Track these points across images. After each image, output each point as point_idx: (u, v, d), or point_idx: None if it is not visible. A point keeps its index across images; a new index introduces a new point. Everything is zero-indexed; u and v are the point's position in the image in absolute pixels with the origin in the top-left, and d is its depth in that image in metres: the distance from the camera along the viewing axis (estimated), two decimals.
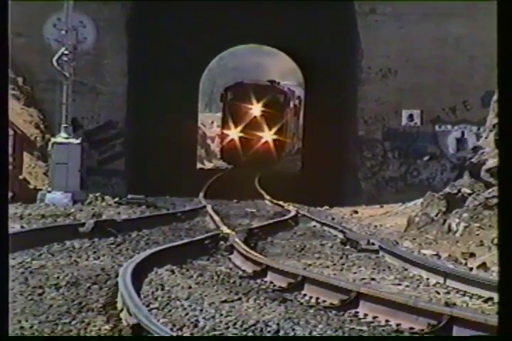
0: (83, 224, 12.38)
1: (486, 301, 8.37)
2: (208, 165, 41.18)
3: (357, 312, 7.50)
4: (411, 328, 6.93)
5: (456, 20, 21.57)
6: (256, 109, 36.57)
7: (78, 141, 17.78)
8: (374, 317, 7.31)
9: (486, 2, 20.81)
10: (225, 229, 12.94)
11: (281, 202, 19.59)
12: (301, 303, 7.85)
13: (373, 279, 9.58)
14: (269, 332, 6.54)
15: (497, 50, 4.28)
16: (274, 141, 36.67)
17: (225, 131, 37.07)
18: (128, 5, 22.19)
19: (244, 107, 36.39)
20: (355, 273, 10.01)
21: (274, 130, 36.57)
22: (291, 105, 38.30)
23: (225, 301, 7.58)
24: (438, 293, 8.89)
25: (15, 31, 20.86)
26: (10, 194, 15.91)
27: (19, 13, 20.78)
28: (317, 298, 8.13)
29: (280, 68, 36.75)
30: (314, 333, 6.58)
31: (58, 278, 8.56)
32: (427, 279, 9.61)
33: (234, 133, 36.59)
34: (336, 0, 22.84)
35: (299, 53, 30.43)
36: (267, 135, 36.58)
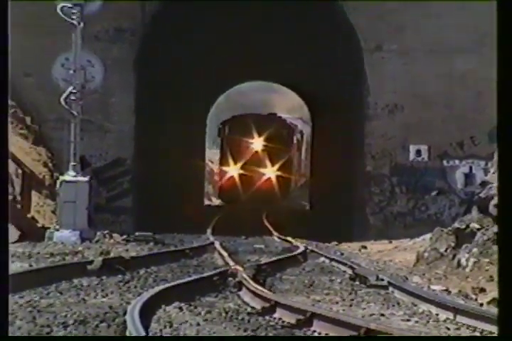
0: (91, 262, 12.35)
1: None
2: (216, 202, 40.88)
3: None
4: None
5: (463, 55, 21.71)
6: (257, 143, 33.93)
7: (86, 179, 17.84)
8: None
9: (491, 38, 20.90)
10: (234, 266, 12.90)
11: (289, 238, 19.55)
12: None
13: (383, 315, 9.52)
14: None
15: (497, 50, 4.30)
16: (278, 177, 34.13)
17: (224, 168, 34.48)
18: (136, 44, 22.41)
19: (245, 142, 33.86)
20: (364, 308, 9.95)
21: (277, 166, 34.00)
22: (295, 140, 36.13)
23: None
24: (448, 328, 8.82)
25: (23, 71, 21.07)
26: (18, 233, 15.92)
27: (27, 53, 21.01)
28: (326, 334, 8.07)
29: (287, 104, 36.67)
30: None
31: (66, 316, 8.53)
32: (437, 315, 9.55)
33: (233, 169, 33.93)
34: (342, 36, 23.02)
35: (306, 89, 30.53)
36: (270, 171, 34.08)
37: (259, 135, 33.92)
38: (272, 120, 34.83)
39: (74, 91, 17.96)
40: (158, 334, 7.73)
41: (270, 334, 7.76)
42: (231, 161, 34.03)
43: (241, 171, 33.94)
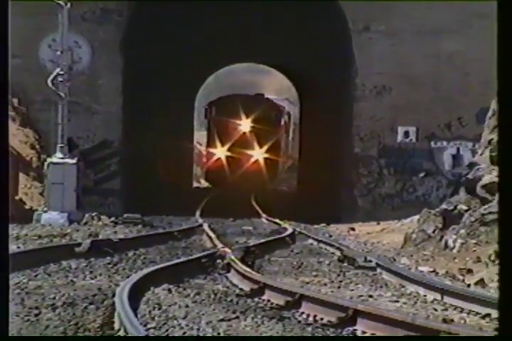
0: (79, 244, 12.35)
1: (483, 317, 8.35)
2: (204, 184, 40.85)
3: (355, 330, 7.48)
4: None
5: (450, 37, 21.68)
6: (245, 124, 32.91)
7: (74, 161, 17.79)
8: (372, 335, 7.28)
9: (477, 19, 20.92)
10: (222, 248, 12.92)
11: (277, 220, 19.58)
12: (299, 321, 7.83)
13: (371, 296, 9.56)
14: None
15: (497, 50, 4.30)
16: (266, 159, 33.07)
17: (211, 150, 33.49)
18: (123, 25, 22.27)
19: (232, 123, 32.85)
20: (352, 290, 9.99)
21: (265, 148, 33.10)
22: (283, 121, 35.07)
23: (223, 320, 7.55)
24: (436, 309, 8.87)
25: (10, 52, 20.89)
26: None
27: (14, 34, 20.81)
28: (315, 316, 8.10)
29: (275, 85, 36.47)
30: None
31: (55, 298, 8.53)
32: (425, 296, 9.60)
33: (220, 151, 32.98)
34: (330, 17, 22.95)
35: (294, 71, 30.46)
36: (258, 153, 33.15)
37: (247, 116, 33.07)
38: (259, 101, 33.99)
39: (61, 72, 17.87)
40: (147, 316, 7.74)
41: (259, 316, 7.79)
42: (218, 143, 33.20)
43: (228, 153, 33.11)
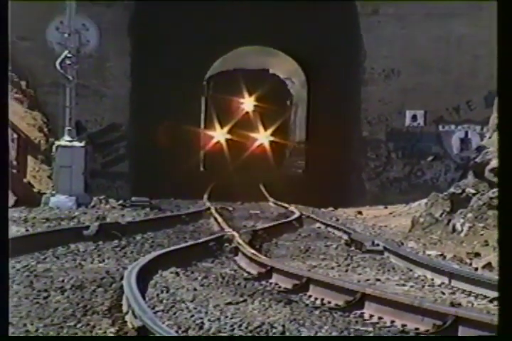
0: (87, 227, 12.38)
1: (491, 301, 8.35)
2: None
3: (362, 313, 7.49)
4: (416, 329, 6.92)
5: (459, 19, 21.57)
6: (248, 103, 28.87)
7: (82, 144, 17.80)
8: (379, 318, 7.30)
9: (488, 2, 20.79)
10: (230, 231, 12.94)
11: (285, 204, 19.58)
12: (307, 305, 7.85)
13: (378, 280, 9.57)
14: (274, 333, 6.53)
15: (497, 50, 4.28)
16: (271, 143, 29.26)
17: (209, 132, 28.76)
18: (131, 7, 22.21)
19: (233, 101, 28.70)
20: (360, 274, 10.00)
21: (270, 130, 29.20)
22: (290, 101, 31.10)
23: (230, 303, 7.57)
24: (443, 293, 8.88)
25: (18, 35, 20.90)
26: (14, 198, 15.92)
27: (22, 17, 20.80)
28: (322, 299, 8.12)
29: (283, 68, 36.17)
30: (320, 334, 6.57)
31: (63, 281, 8.57)
32: (432, 280, 9.60)
33: (220, 134, 28.76)
34: (339, 0, 22.85)
35: (302, 54, 30.27)
36: (262, 136, 29.19)
37: (250, 94, 28.93)
38: (264, 77, 29.45)
39: (69, 55, 17.84)
40: (155, 299, 7.77)
41: (266, 300, 7.80)
42: (217, 124, 28.85)
43: (228, 136, 28.92)
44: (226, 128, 29.18)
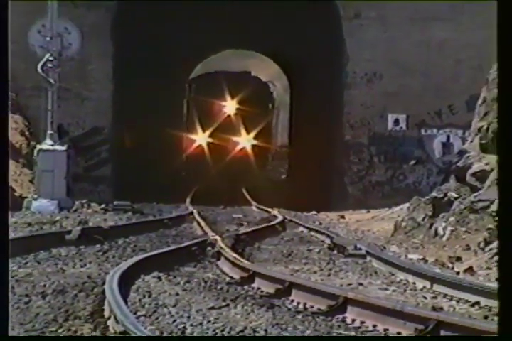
0: (69, 232, 12.34)
1: (472, 305, 8.38)
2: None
3: (345, 318, 7.50)
4: (398, 333, 6.94)
5: (441, 24, 21.66)
6: (230, 106, 28.66)
7: (64, 148, 17.74)
8: (362, 322, 7.31)
9: (469, 6, 20.89)
10: (212, 235, 12.92)
11: (268, 208, 19.58)
12: (289, 309, 7.85)
13: (361, 284, 9.59)
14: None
15: (497, 50, 4.30)
16: (254, 147, 29.02)
17: (190, 136, 28.62)
18: (112, 10, 22.16)
19: (215, 104, 28.49)
20: (342, 278, 10.01)
21: (253, 133, 28.94)
22: (272, 104, 31.11)
23: (213, 308, 7.56)
24: (425, 297, 8.90)
25: None
26: None
27: None
28: (305, 304, 8.12)
29: (266, 71, 36.12)
30: None
31: (45, 286, 8.53)
32: (414, 284, 9.63)
33: (201, 138, 28.46)
34: (321, 3, 22.89)
35: (285, 58, 30.28)
36: (245, 140, 28.93)
37: (232, 97, 28.72)
38: (246, 79, 29.50)
39: (51, 58, 17.78)
40: (138, 304, 7.74)
41: (249, 304, 7.80)
42: (198, 127, 28.60)
43: (210, 139, 28.67)
44: (208, 132, 29.07)
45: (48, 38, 18.03)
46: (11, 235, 12.56)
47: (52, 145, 17.67)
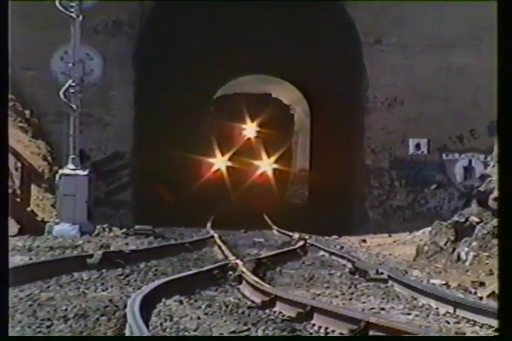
0: (91, 256, 12.36)
1: (496, 330, 8.31)
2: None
3: None
4: None
5: (460, 50, 21.71)
6: (250, 129, 28.05)
7: (85, 173, 17.83)
8: None
9: (488, 32, 20.92)
10: (234, 259, 12.91)
11: (289, 232, 19.54)
12: (310, 333, 7.80)
13: (383, 309, 9.53)
14: None
15: (497, 49, 4.31)
16: (275, 171, 28.18)
17: (209, 159, 27.78)
18: (135, 37, 22.37)
19: (234, 127, 27.85)
20: (364, 302, 9.96)
21: (274, 157, 28.09)
22: (295, 126, 30.35)
23: (234, 332, 7.54)
24: (448, 322, 8.83)
25: (22, 65, 21.04)
26: (18, 226, 15.91)
27: (27, 47, 20.96)
28: (326, 328, 8.08)
29: (287, 97, 36.17)
30: None
31: (66, 310, 8.54)
32: (437, 309, 9.56)
33: (220, 161, 27.61)
34: (339, 27, 23.00)
35: (305, 83, 30.34)
36: (265, 163, 28.12)
37: (252, 119, 28.11)
38: (266, 101, 28.78)
39: (73, 84, 17.93)
40: (159, 328, 7.74)
41: (270, 328, 7.77)
42: (217, 151, 27.85)
43: (229, 163, 27.85)
44: (227, 156, 28.37)
45: (70, 65, 18.19)
46: (34, 259, 12.61)
47: (74, 169, 17.77)
